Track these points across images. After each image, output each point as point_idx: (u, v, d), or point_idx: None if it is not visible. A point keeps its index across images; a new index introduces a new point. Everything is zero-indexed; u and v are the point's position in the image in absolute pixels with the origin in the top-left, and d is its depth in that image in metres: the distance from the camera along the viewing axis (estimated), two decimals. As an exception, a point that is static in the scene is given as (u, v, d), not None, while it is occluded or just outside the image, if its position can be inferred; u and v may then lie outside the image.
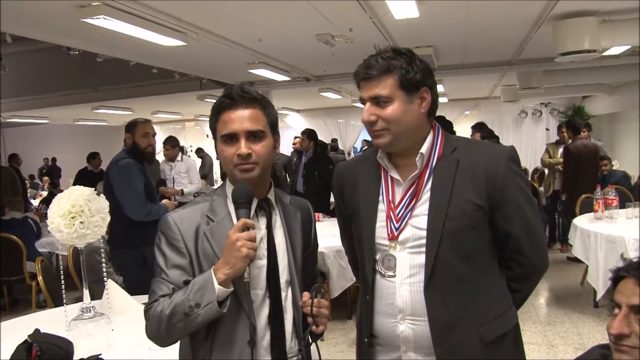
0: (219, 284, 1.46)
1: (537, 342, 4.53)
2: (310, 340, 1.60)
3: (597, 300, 5.15)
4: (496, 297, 1.68)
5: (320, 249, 4.66)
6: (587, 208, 5.75)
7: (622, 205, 5.43)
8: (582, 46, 5.65)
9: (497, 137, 6.98)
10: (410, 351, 1.66)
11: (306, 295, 1.60)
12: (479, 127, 6.89)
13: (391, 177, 1.70)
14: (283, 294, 1.62)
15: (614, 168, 7.92)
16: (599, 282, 4.74)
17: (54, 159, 17.00)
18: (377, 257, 1.69)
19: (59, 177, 15.02)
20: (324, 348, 4.54)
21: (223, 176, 6.49)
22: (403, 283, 1.63)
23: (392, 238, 1.65)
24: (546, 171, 8.67)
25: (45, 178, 13.82)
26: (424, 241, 1.60)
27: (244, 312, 1.52)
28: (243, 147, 1.55)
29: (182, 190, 6.97)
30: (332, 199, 6.93)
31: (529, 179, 10.62)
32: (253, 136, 1.57)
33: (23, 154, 17.67)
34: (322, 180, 6.73)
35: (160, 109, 14.10)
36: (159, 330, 1.51)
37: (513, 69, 9.33)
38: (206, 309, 1.45)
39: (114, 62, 7.88)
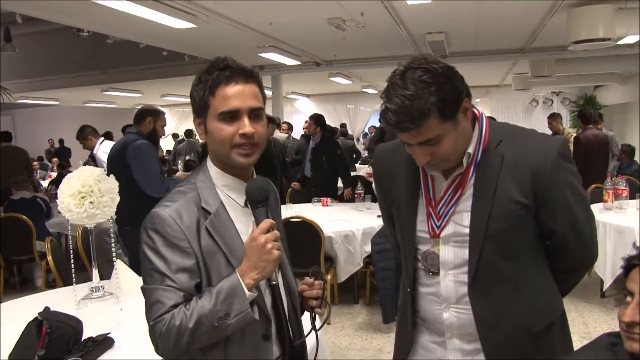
0: (248, 290, 1.34)
1: (543, 331, 4.52)
2: (316, 324, 1.55)
3: (604, 290, 5.13)
4: (541, 288, 1.63)
5: (328, 233, 4.72)
6: (597, 198, 5.71)
7: (632, 196, 5.40)
8: (596, 34, 5.59)
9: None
10: (454, 338, 1.64)
11: (308, 279, 1.57)
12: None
13: (431, 175, 1.63)
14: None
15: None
16: (607, 272, 4.72)
17: (61, 141, 17.07)
18: (419, 252, 1.65)
19: (68, 158, 15.10)
20: (330, 332, 4.56)
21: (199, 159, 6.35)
22: (447, 274, 1.60)
23: (434, 236, 1.61)
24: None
25: (55, 159, 13.87)
26: (467, 238, 1.56)
27: (257, 306, 1.42)
28: (248, 125, 1.41)
29: None
30: (339, 184, 6.96)
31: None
32: (255, 115, 1.44)
33: (32, 135, 17.80)
34: (330, 165, 6.72)
35: (169, 92, 14.13)
36: (178, 345, 1.33)
37: (525, 56, 9.27)
38: (238, 319, 1.33)
39: (124, 44, 7.88)
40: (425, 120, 1.39)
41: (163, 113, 4.55)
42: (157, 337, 1.35)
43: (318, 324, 1.55)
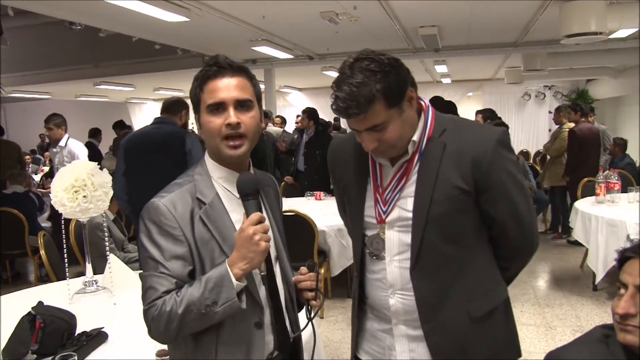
0: (236, 279, 1.39)
1: (536, 324, 4.56)
2: (312, 315, 1.58)
3: (596, 283, 5.18)
4: (484, 274, 1.68)
5: (321, 227, 4.73)
6: (589, 191, 5.74)
7: (624, 190, 5.43)
8: (588, 28, 5.60)
9: (499, 118, 6.94)
10: (400, 324, 1.68)
11: (303, 270, 1.60)
12: (483, 112, 6.86)
13: (379, 163, 1.69)
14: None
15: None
16: (599, 265, 4.76)
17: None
18: (367, 237, 1.71)
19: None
20: (324, 325, 4.58)
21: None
22: (392, 260, 1.65)
23: (380, 221, 1.66)
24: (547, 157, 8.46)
25: (47, 153, 13.79)
26: (410, 222, 1.61)
27: (250, 295, 1.48)
28: (232, 115, 1.46)
29: None
30: (333, 178, 6.96)
31: (531, 161, 10.61)
32: (241, 106, 1.48)
33: (25, 129, 17.68)
34: (323, 159, 6.69)
35: (161, 86, 14.06)
36: (168, 330, 1.39)
37: (518, 50, 9.28)
38: (225, 307, 1.38)
39: (117, 37, 7.83)
40: (371, 106, 1.47)
41: None
42: (150, 321, 1.41)
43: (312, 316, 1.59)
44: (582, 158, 6.79)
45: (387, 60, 1.49)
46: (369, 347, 1.80)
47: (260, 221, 1.43)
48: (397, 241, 1.64)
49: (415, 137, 1.60)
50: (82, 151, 6.09)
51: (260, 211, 1.47)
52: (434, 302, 1.62)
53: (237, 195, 1.51)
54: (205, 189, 1.50)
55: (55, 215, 6.10)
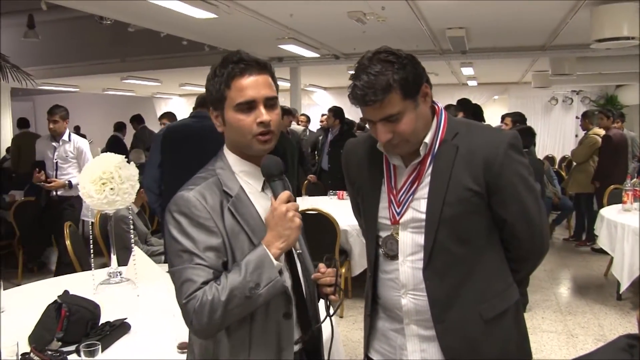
0: (275, 259, 1.40)
1: (557, 331, 4.50)
2: (331, 311, 1.59)
3: (620, 292, 5.09)
4: (495, 275, 1.70)
5: (343, 227, 4.72)
6: (616, 199, 5.66)
7: (651, 198, 5.34)
8: (620, 33, 5.52)
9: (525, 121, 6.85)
10: (412, 324, 1.70)
11: (322, 266, 1.61)
12: (512, 115, 6.74)
13: (394, 165, 1.71)
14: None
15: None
16: (624, 274, 4.68)
17: (77, 127, 17.20)
18: (380, 238, 1.73)
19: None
20: (343, 325, 4.58)
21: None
22: (405, 261, 1.68)
23: (394, 222, 1.69)
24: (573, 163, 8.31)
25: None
26: (423, 223, 1.63)
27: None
28: (265, 114, 1.47)
29: (69, 182, 5.48)
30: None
31: (556, 167, 10.48)
32: (269, 103, 1.50)
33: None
34: (348, 158, 6.71)
35: (187, 82, 14.17)
36: (212, 320, 1.35)
37: (546, 54, 9.18)
38: (268, 287, 1.38)
39: (145, 32, 7.91)
40: (387, 95, 1.50)
41: None
42: (191, 314, 1.37)
43: (332, 311, 1.60)
44: (614, 164, 6.70)
45: (405, 55, 1.55)
46: (380, 346, 1.83)
47: (290, 199, 1.45)
48: (410, 242, 1.67)
49: (427, 139, 1.63)
50: (87, 148, 5.74)
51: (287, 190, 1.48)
52: (445, 302, 1.64)
53: (259, 189, 1.53)
54: (229, 182, 1.50)
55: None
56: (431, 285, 1.64)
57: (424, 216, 1.62)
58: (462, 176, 1.59)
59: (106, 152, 2.65)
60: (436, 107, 1.69)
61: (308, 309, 1.60)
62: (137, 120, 9.88)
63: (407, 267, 1.67)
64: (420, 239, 1.64)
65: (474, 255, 1.65)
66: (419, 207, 1.64)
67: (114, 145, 8.85)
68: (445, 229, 1.60)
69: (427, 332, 1.68)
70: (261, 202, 1.52)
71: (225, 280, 1.37)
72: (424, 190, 1.64)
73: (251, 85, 1.47)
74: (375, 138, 1.66)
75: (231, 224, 1.45)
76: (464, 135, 1.63)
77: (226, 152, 1.57)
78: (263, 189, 1.54)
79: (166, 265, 2.81)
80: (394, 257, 1.70)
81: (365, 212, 1.80)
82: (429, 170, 1.64)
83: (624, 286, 4.77)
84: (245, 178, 1.54)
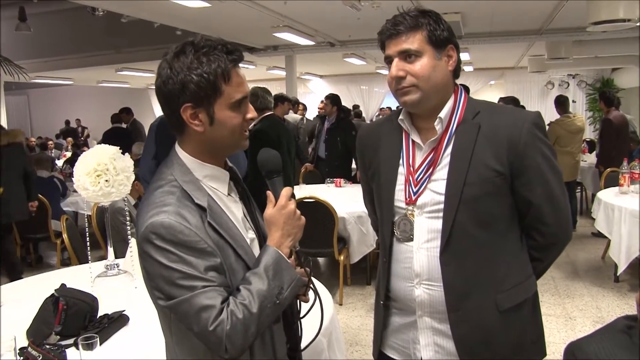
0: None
1: (556, 314, 4.52)
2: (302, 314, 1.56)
3: (617, 274, 5.10)
4: (514, 265, 1.65)
5: (341, 214, 4.72)
6: (613, 182, 5.66)
7: (648, 180, 5.34)
8: (616, 15, 5.47)
9: (523, 107, 6.85)
10: (425, 316, 1.66)
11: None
12: (505, 100, 6.76)
13: (412, 141, 1.67)
14: None
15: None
16: (621, 256, 4.68)
17: (77, 120, 17.17)
18: (395, 220, 1.68)
19: (79, 137, 15.19)
20: (342, 312, 4.58)
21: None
22: (420, 248, 1.62)
23: (410, 202, 1.64)
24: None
25: (69, 139, 13.97)
26: (442, 206, 1.58)
27: None
28: (253, 109, 1.39)
29: None
30: (353, 165, 6.94)
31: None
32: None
33: (48, 114, 17.91)
34: (344, 146, 6.70)
35: (182, 72, 14.08)
36: (247, 337, 1.26)
37: (542, 38, 9.13)
38: (291, 288, 1.34)
39: (138, 23, 7.86)
40: (414, 31, 1.55)
41: None
42: (224, 340, 1.24)
43: (303, 312, 1.58)
44: (616, 146, 6.69)
45: (444, 20, 1.61)
46: (392, 341, 1.78)
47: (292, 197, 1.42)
48: (426, 227, 1.62)
49: (443, 114, 1.60)
50: None
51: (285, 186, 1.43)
52: (462, 289, 1.59)
53: (225, 193, 1.42)
54: (196, 193, 1.32)
55: None
56: (448, 270, 1.58)
57: (442, 198, 1.58)
58: (485, 155, 1.55)
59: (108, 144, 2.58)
60: (456, 88, 1.66)
61: (286, 312, 1.54)
62: (127, 112, 9.78)
63: (422, 255, 1.62)
64: (437, 224, 1.59)
65: (494, 241, 1.60)
66: (437, 189, 1.60)
67: (117, 137, 8.74)
68: (466, 211, 1.56)
69: (441, 325, 1.64)
70: (230, 208, 1.41)
71: (249, 292, 1.27)
72: (442, 172, 1.60)
73: (244, 79, 1.36)
74: (392, 119, 1.69)
75: (215, 238, 1.30)
76: (485, 114, 1.61)
77: (183, 156, 1.38)
78: (229, 193, 1.43)
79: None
80: (408, 239, 1.64)
81: (380, 196, 1.74)
82: (448, 150, 1.60)
83: (621, 268, 4.77)
84: (209, 184, 1.38)
